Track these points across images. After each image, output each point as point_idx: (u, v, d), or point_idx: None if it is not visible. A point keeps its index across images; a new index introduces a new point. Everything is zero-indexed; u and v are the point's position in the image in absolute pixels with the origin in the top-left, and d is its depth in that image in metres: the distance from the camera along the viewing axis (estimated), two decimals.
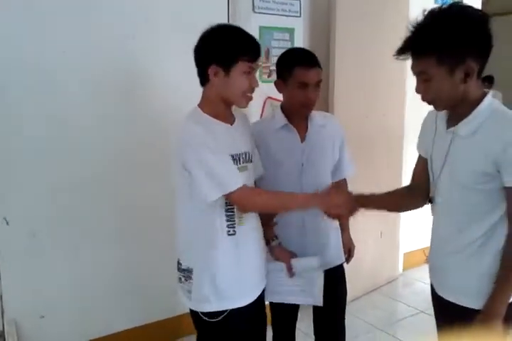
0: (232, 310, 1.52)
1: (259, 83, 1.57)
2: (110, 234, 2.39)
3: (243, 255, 1.54)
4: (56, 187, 2.22)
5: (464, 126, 1.30)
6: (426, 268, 1.55)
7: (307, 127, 1.81)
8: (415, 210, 1.63)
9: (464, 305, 1.34)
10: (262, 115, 2.62)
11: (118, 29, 2.28)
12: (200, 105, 1.54)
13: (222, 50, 1.44)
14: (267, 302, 1.76)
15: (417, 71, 1.30)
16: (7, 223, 2.13)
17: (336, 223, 1.88)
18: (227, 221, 1.50)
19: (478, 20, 1.24)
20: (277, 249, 1.77)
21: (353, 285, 2.13)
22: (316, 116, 1.83)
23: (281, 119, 1.80)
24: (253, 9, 2.55)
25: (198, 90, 1.55)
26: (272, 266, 1.72)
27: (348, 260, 1.99)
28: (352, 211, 1.62)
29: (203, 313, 1.52)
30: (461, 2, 1.35)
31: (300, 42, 2.76)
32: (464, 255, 1.34)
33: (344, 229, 1.96)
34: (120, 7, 2.27)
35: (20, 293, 2.20)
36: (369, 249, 3.11)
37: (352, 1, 2.82)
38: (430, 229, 1.51)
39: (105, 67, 2.27)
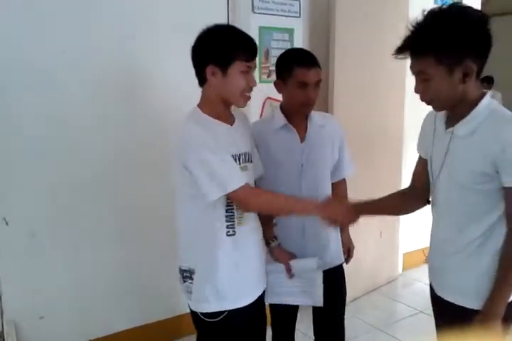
0: (232, 311, 1.52)
1: (259, 84, 1.58)
2: (110, 234, 2.39)
3: (243, 255, 1.54)
4: (56, 187, 2.22)
5: (463, 127, 1.31)
6: (425, 268, 1.56)
7: (307, 127, 1.81)
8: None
9: (463, 305, 1.35)
10: (261, 115, 2.62)
11: (118, 29, 2.28)
12: (199, 105, 1.54)
13: (219, 49, 1.44)
14: (266, 303, 1.76)
15: (415, 71, 1.30)
16: (6, 223, 2.13)
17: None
18: (227, 221, 1.50)
19: (478, 20, 1.24)
20: (277, 249, 1.77)
21: (352, 286, 2.13)
22: (316, 116, 1.83)
23: (280, 119, 1.80)
24: (252, 9, 2.56)
25: (198, 90, 1.55)
26: (272, 267, 1.73)
27: (347, 260, 1.99)
28: (352, 221, 1.63)
29: (202, 313, 1.53)
30: (461, 2, 1.35)
31: (300, 42, 2.76)
32: (463, 255, 1.35)
33: (343, 229, 1.96)
34: (120, 7, 2.27)
35: (20, 293, 2.20)
36: (369, 250, 3.11)
37: (351, 2, 2.82)
38: (429, 230, 1.51)
39: (105, 67, 2.27)
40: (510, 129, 1.24)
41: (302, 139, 1.80)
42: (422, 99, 1.33)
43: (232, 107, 1.58)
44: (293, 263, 1.74)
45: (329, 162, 1.88)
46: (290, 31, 2.73)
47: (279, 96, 1.83)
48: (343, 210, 1.57)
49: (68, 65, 2.18)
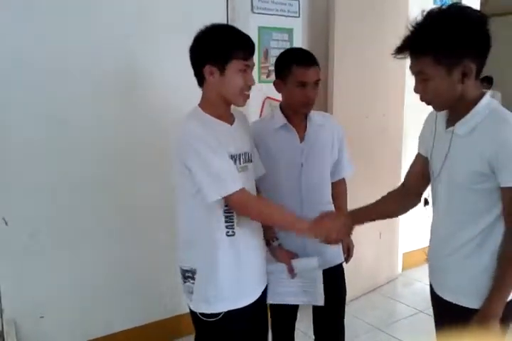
0: (232, 311, 1.52)
1: (258, 83, 1.58)
2: (110, 234, 2.39)
3: (243, 256, 1.54)
4: (56, 187, 2.22)
5: (462, 126, 1.31)
6: (425, 268, 1.56)
7: (306, 127, 1.81)
8: (414, 210, 1.63)
9: (463, 304, 1.35)
10: (261, 115, 2.62)
11: (118, 29, 2.28)
12: (200, 105, 1.54)
13: (216, 49, 1.45)
14: (267, 303, 1.76)
15: (415, 70, 1.31)
16: (6, 223, 2.13)
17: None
18: (227, 222, 1.50)
19: (477, 21, 1.24)
20: (278, 249, 1.77)
21: (352, 285, 2.13)
22: (315, 116, 1.84)
23: (280, 119, 1.80)
24: (252, 9, 2.56)
25: (198, 90, 1.56)
26: (273, 267, 1.73)
27: (347, 259, 1.99)
28: (347, 232, 1.63)
29: (201, 313, 1.53)
30: (460, 3, 1.36)
31: (299, 42, 2.76)
32: (462, 254, 1.35)
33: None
34: (120, 7, 2.27)
35: (20, 293, 2.20)
36: (368, 249, 3.11)
37: (351, 1, 2.83)
38: (429, 229, 1.51)
39: (105, 67, 2.27)
40: (507, 129, 1.24)
41: (302, 139, 1.80)
42: (422, 99, 1.34)
43: (232, 107, 1.58)
44: (294, 262, 1.74)
45: (329, 162, 1.88)
46: (289, 31, 2.73)
47: (279, 96, 1.84)
48: (335, 226, 1.56)
49: (68, 65, 2.18)
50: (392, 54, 1.32)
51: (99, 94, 2.28)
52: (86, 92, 2.25)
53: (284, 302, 1.78)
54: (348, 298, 1.99)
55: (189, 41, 1.51)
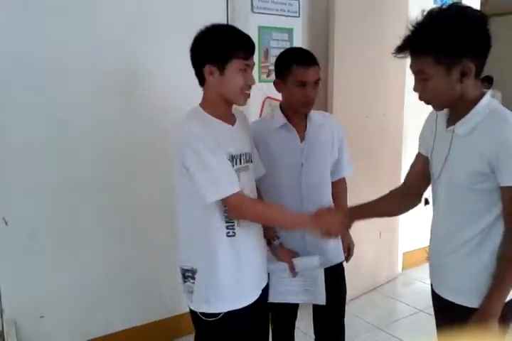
0: (232, 311, 1.52)
1: (258, 83, 1.58)
2: (110, 234, 2.39)
3: (243, 256, 1.53)
4: (56, 187, 2.22)
5: (462, 126, 1.31)
6: (425, 267, 1.56)
7: (306, 126, 1.81)
8: (414, 210, 1.63)
9: (462, 303, 1.35)
10: (261, 115, 2.62)
11: (118, 29, 2.28)
12: (201, 105, 1.54)
13: (215, 48, 1.45)
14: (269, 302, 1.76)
15: (415, 70, 1.31)
16: (6, 223, 2.13)
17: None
18: (227, 222, 1.50)
19: (477, 20, 1.24)
20: (279, 248, 1.77)
21: (352, 285, 2.13)
22: (315, 116, 1.84)
23: (280, 119, 1.80)
24: (252, 9, 2.56)
25: (198, 90, 1.56)
26: (275, 267, 1.73)
27: (347, 258, 1.99)
28: (346, 227, 1.64)
29: (201, 313, 1.53)
30: (461, 2, 1.36)
31: (299, 42, 2.76)
32: (462, 254, 1.35)
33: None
34: (120, 7, 2.27)
35: (20, 292, 2.20)
36: (368, 249, 3.12)
37: (351, 1, 2.83)
38: (429, 229, 1.51)
39: (105, 67, 2.27)
40: (507, 129, 1.24)
41: (302, 138, 1.80)
42: (421, 98, 1.34)
43: (233, 107, 1.58)
44: (295, 261, 1.74)
45: (329, 161, 1.88)
46: (289, 31, 2.73)
47: (279, 96, 1.84)
48: (335, 221, 1.57)
49: (68, 65, 2.19)
50: (393, 53, 1.32)
51: (99, 94, 2.28)
52: (86, 92, 2.25)
53: (286, 301, 1.79)
54: (348, 297, 1.99)
55: (189, 41, 1.51)
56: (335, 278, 1.87)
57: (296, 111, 1.79)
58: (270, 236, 1.77)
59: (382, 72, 3.05)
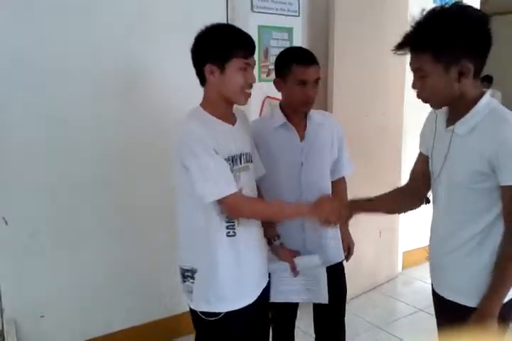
0: (232, 311, 1.52)
1: (258, 82, 1.58)
2: (110, 234, 2.39)
3: (243, 256, 1.53)
4: (56, 187, 2.22)
5: (462, 125, 1.31)
6: (425, 266, 1.56)
7: (306, 126, 1.81)
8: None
9: (462, 303, 1.35)
10: (260, 114, 2.62)
11: (118, 29, 2.28)
12: (202, 105, 1.54)
13: (216, 48, 1.45)
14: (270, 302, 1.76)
15: (414, 67, 1.31)
16: (6, 223, 2.13)
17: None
18: (227, 222, 1.50)
19: (478, 20, 1.24)
20: (279, 248, 1.77)
21: (352, 284, 2.13)
22: (315, 115, 1.84)
23: (280, 118, 1.80)
24: (252, 8, 2.56)
25: (199, 90, 1.56)
26: (276, 266, 1.73)
27: (347, 258, 1.99)
28: (346, 217, 1.63)
29: (202, 312, 1.53)
30: (462, 2, 1.36)
31: (299, 41, 2.76)
32: (462, 253, 1.35)
33: (341, 226, 1.96)
34: (120, 7, 2.27)
35: (20, 292, 2.20)
36: (368, 248, 3.12)
37: (351, 1, 2.83)
38: (429, 228, 1.51)
39: (105, 67, 2.27)
40: (507, 128, 1.24)
41: (302, 138, 1.80)
42: (419, 97, 1.34)
43: (234, 106, 1.58)
44: (296, 260, 1.74)
45: (328, 160, 1.88)
46: (289, 30, 2.73)
47: (279, 95, 1.84)
48: (334, 209, 1.57)
49: (68, 65, 2.18)
50: (393, 50, 1.32)
51: (99, 94, 2.28)
52: (86, 92, 2.25)
53: (288, 301, 1.79)
54: (348, 296, 1.99)
55: (189, 41, 1.51)
56: (335, 277, 1.87)
57: (295, 111, 1.79)
58: (270, 235, 1.77)
59: (381, 71, 3.05)
